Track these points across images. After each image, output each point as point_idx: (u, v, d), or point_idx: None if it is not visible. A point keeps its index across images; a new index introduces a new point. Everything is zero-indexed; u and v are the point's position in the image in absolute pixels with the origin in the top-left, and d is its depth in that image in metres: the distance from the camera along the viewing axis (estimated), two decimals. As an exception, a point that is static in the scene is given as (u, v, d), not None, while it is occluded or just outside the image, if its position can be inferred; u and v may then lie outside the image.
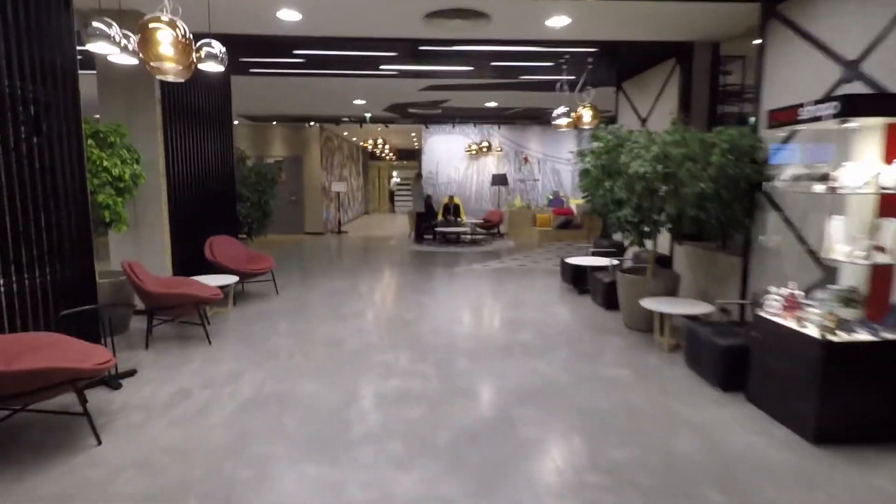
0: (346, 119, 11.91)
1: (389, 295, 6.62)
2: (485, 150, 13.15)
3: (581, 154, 4.97)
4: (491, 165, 13.58)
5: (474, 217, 13.55)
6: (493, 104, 9.71)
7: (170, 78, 3.25)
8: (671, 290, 4.79)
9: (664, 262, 5.73)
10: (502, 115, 11.31)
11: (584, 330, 5.02)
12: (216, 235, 6.31)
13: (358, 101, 9.46)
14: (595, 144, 4.64)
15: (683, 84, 5.33)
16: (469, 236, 12.22)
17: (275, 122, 12.83)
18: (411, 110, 10.27)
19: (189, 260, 5.79)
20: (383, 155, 17.48)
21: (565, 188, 13.81)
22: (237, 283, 5.76)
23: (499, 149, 13.29)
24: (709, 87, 5.26)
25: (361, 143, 15.47)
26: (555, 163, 13.71)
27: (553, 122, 6.28)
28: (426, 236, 12.23)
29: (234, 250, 6.39)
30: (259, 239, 8.15)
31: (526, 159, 13.46)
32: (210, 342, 4.60)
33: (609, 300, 5.69)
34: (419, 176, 12.06)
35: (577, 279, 6.81)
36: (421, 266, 8.76)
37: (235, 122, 12.47)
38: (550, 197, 13.61)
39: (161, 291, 4.43)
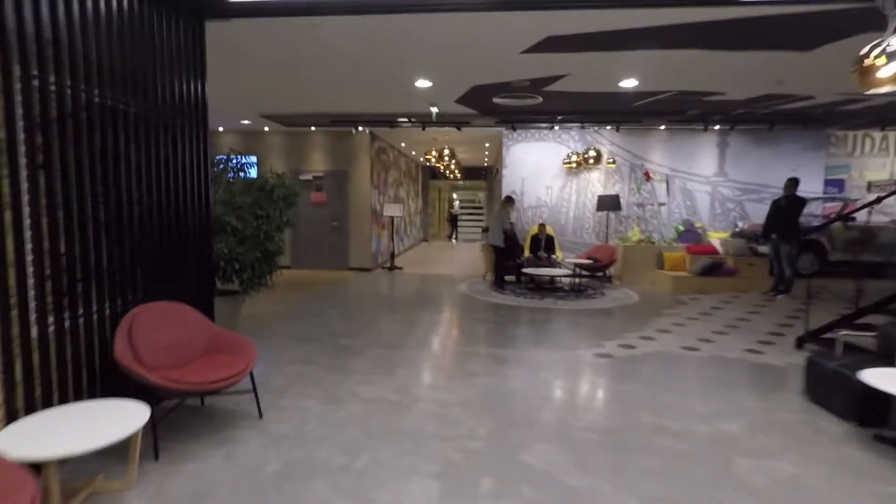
0: (403, 120, 8.82)
1: (473, 438, 3.19)
2: (591, 161, 9.63)
3: None
4: (596, 183, 10.03)
5: (571, 253, 10.00)
6: (630, 84, 6.23)
7: None
8: None
9: None
10: (630, 108, 7.78)
11: None
12: (155, 303, 3.21)
13: (422, 83, 6.28)
14: None
15: None
16: (570, 281, 8.70)
17: (313, 128, 9.97)
18: (498, 99, 6.99)
19: (66, 361, 2.66)
20: (448, 172, 14.34)
21: (701, 216, 10.00)
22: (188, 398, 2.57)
23: (610, 160, 9.73)
24: None
25: (423, 157, 12.37)
26: (687, 181, 9.97)
27: (880, 69, 2.71)
28: (507, 278, 8.82)
29: (182, 333, 3.23)
30: (262, 290, 4.99)
31: (648, 176, 9.82)
32: None
33: None
34: (509, 200, 8.73)
35: (871, 415, 3.18)
36: (512, 341, 5.29)
37: (266, 129, 9.67)
38: (680, 228, 9.84)
39: None
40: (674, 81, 6.17)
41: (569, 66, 5.54)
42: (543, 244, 9.17)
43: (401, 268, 10.82)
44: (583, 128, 9.34)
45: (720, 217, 9.99)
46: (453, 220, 21.52)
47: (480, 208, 23.40)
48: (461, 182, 21.01)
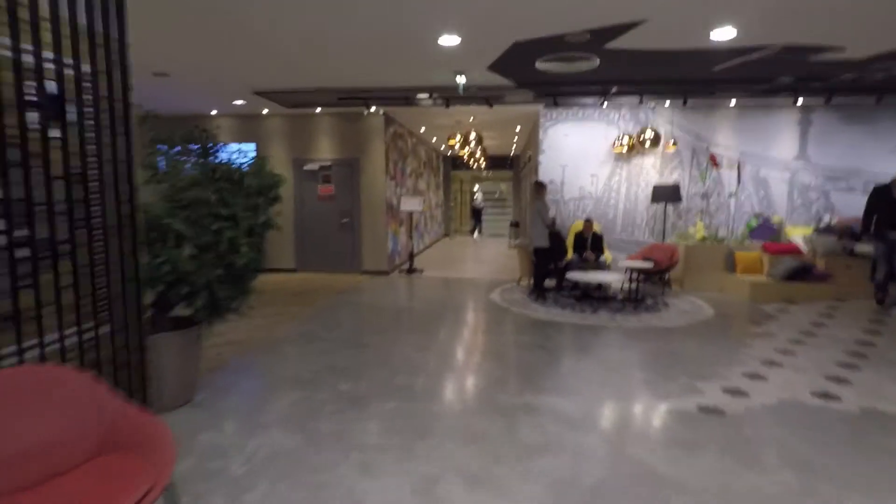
0: (423, 96, 7.40)
1: None
2: (646, 144, 8.07)
3: None
4: (651, 171, 8.49)
5: (621, 253, 8.51)
6: (726, 35, 4.70)
7: None
8: None
9: None
10: (707, 75, 6.23)
11: None
12: (4, 371, 1.88)
13: (448, 41, 4.85)
14: None
15: None
16: (622, 287, 7.23)
17: (319, 109, 8.61)
18: (543, 64, 5.53)
19: None
20: (473, 161, 12.90)
21: (776, 208, 8.38)
22: None
23: (672, 142, 8.16)
24: None
25: (445, 144, 10.97)
26: (760, 166, 8.35)
27: None
28: (548, 284, 7.37)
29: (52, 424, 1.89)
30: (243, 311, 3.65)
31: (715, 161, 8.23)
32: None
33: None
34: (540, 186, 7.25)
35: None
36: (573, 383, 3.84)
37: (265, 111, 8.37)
38: (753, 223, 8.25)
39: None
40: (783, 30, 4.62)
41: (649, 8, 4.05)
42: (590, 243, 7.69)
43: (421, 270, 9.44)
44: (640, 102, 7.71)
45: (800, 209, 8.36)
46: (477, 214, 20.03)
47: (503, 200, 21.86)
48: (484, 173, 19.53)
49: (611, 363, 4.44)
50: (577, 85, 6.73)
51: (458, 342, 5.10)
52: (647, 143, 7.96)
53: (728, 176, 8.35)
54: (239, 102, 7.97)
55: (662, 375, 4.11)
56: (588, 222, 7.73)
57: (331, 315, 6.14)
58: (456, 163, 17.83)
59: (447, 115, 9.02)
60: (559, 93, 7.20)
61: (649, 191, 8.45)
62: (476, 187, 25.16)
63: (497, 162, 17.82)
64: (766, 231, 8.12)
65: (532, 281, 7.46)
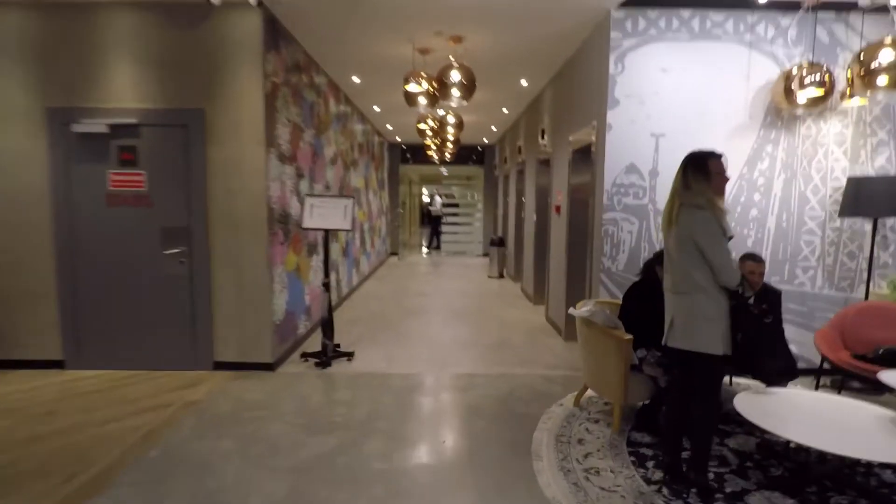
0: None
1: None
2: (854, 86, 3.57)
3: None
4: (833, 149, 4.06)
5: (805, 321, 4.02)
6: None
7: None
8: None
9: None
10: None
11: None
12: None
13: None
14: None
15: None
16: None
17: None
18: None
19: None
20: (441, 138, 8.20)
21: None
22: None
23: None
24: None
25: (404, 87, 6.12)
26: None
27: None
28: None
29: None
30: None
31: None
32: None
33: None
34: (710, 159, 2.45)
35: None
36: None
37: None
38: None
39: None
40: None
41: None
42: (761, 303, 3.15)
43: (348, 355, 4.54)
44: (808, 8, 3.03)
45: None
46: (433, 224, 15.26)
47: (455, 206, 16.52)
48: (442, 168, 14.77)
49: None
50: None
51: None
52: (864, 84, 3.45)
53: None
54: None
55: None
56: (757, 262, 3.20)
57: None
58: (406, 154, 13.04)
59: (409, 20, 4.25)
60: None
61: (828, 190, 4.05)
62: (426, 192, 20.51)
63: (460, 154, 13.05)
64: None
65: (665, 440, 2.83)
